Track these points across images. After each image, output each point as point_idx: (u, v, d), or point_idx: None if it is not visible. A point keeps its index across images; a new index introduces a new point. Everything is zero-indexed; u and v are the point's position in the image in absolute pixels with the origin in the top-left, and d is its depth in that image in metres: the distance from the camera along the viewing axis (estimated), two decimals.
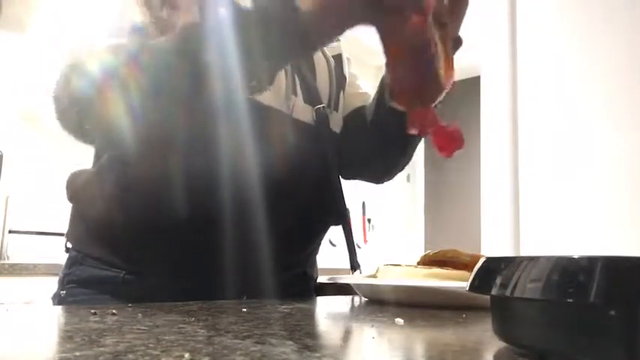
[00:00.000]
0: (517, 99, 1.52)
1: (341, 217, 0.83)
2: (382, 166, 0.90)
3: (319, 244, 0.86)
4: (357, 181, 0.93)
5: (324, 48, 0.86)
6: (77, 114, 0.60)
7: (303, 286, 0.82)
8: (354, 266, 0.85)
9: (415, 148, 0.86)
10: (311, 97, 0.78)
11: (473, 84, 1.61)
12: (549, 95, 1.46)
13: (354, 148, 0.84)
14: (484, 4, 1.63)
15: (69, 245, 0.76)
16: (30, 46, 2.48)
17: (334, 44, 0.91)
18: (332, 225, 0.83)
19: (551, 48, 1.47)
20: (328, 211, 0.82)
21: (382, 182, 0.95)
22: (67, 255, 0.76)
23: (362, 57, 3.11)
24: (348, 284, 0.71)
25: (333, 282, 0.78)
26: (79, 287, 0.71)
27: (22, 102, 2.61)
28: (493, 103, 1.58)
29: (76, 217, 0.77)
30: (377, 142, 0.82)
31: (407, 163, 0.90)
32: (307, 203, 0.76)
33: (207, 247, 0.67)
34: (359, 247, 3.91)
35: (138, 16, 0.68)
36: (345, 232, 0.83)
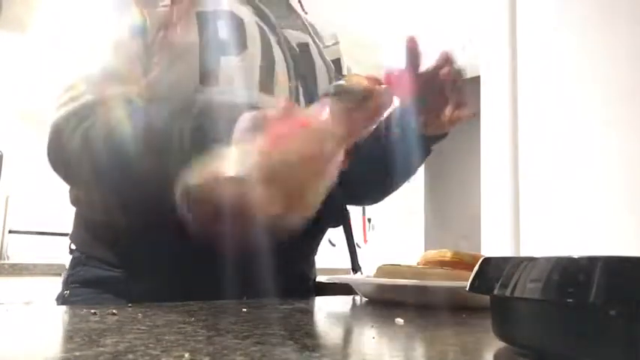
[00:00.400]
0: (517, 99, 1.52)
1: (341, 218, 0.83)
2: (385, 178, 0.91)
3: (318, 245, 0.86)
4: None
5: (324, 53, 0.86)
6: (85, 130, 0.62)
7: (302, 287, 0.82)
8: (355, 268, 0.85)
9: (416, 169, 0.87)
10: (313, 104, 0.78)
11: (473, 84, 1.60)
12: (549, 95, 1.46)
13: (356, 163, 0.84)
14: (484, 3, 1.63)
15: (72, 247, 0.77)
16: (30, 46, 2.48)
17: (333, 47, 0.92)
18: (331, 227, 0.83)
19: (552, 48, 1.47)
20: (327, 214, 0.82)
21: (378, 201, 0.95)
22: (70, 256, 0.76)
23: (359, 55, 3.10)
24: (347, 284, 0.71)
25: (333, 282, 0.78)
26: (82, 287, 0.71)
27: (22, 102, 2.61)
28: (493, 103, 1.58)
29: (79, 220, 0.77)
30: (380, 161, 0.82)
31: (402, 183, 0.91)
32: None
33: (207, 248, 0.67)
34: (359, 247, 3.93)
35: (138, 17, 0.69)
36: (345, 234, 0.83)
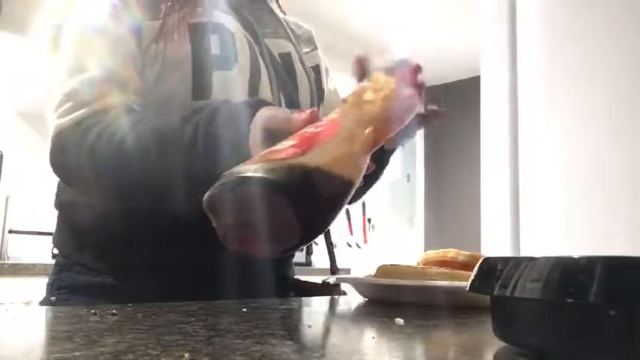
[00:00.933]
0: (517, 99, 1.52)
1: None
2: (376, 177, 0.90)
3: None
4: None
5: (304, 60, 0.86)
6: (91, 146, 0.62)
7: (282, 286, 0.82)
8: (333, 270, 0.85)
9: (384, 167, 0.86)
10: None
11: (473, 84, 1.61)
12: (549, 95, 1.46)
13: None
14: (484, 3, 1.63)
15: (55, 251, 0.76)
16: (30, 46, 2.48)
17: (312, 53, 0.92)
18: None
19: (552, 48, 1.47)
20: None
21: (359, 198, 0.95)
22: (53, 260, 0.76)
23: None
24: (323, 284, 0.72)
25: (334, 282, 0.78)
26: (68, 293, 0.71)
27: (22, 102, 2.61)
28: (493, 103, 1.58)
29: (65, 225, 0.77)
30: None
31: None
32: None
33: (196, 253, 0.68)
34: (358, 246, 3.92)
35: (137, 18, 0.69)
36: (324, 236, 0.84)
